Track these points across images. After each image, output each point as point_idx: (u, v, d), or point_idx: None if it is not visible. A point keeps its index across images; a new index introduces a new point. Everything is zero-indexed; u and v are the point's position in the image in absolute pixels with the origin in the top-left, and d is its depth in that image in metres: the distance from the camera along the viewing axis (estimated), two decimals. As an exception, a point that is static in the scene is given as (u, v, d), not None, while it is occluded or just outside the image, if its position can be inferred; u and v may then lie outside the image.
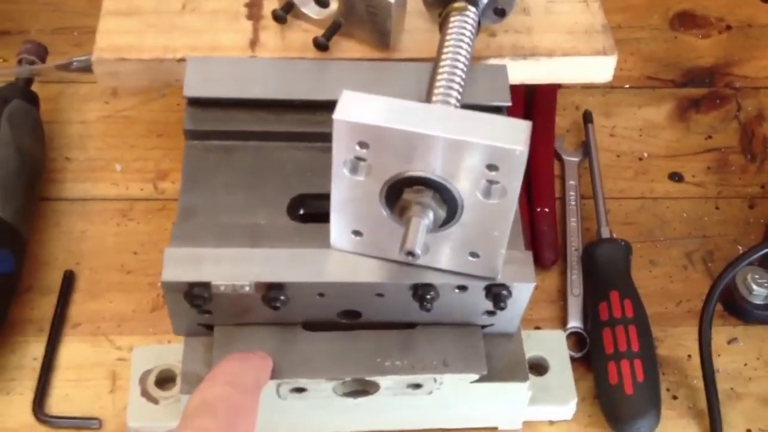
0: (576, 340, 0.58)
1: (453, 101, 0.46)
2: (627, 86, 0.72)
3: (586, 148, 0.67)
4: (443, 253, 0.45)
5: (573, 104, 0.71)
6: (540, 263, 0.61)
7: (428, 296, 0.45)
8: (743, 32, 0.77)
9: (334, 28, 0.56)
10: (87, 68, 0.63)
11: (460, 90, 0.48)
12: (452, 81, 0.47)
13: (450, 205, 0.42)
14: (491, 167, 0.40)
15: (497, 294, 0.46)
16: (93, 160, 0.64)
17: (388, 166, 0.41)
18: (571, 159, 0.67)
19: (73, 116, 0.66)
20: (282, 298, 0.45)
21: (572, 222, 0.63)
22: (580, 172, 0.67)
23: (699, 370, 0.56)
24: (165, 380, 0.53)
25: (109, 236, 0.61)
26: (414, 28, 0.57)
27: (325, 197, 0.45)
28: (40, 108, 0.63)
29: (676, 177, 0.67)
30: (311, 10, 0.56)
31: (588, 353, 0.57)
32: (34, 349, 0.55)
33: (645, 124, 0.70)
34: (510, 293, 0.46)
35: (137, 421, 0.51)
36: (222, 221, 0.48)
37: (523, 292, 0.46)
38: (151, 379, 0.52)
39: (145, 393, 0.52)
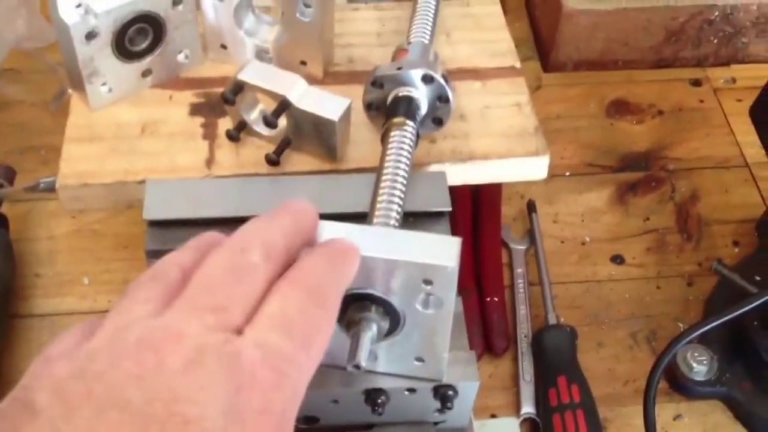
0: (530, 425, 0.61)
1: (393, 218, 0.50)
2: (568, 174, 0.77)
3: (531, 237, 0.71)
4: (391, 359, 0.48)
5: (518, 193, 0.75)
6: (492, 351, 0.65)
7: (379, 400, 0.48)
8: (674, 116, 0.82)
9: (283, 145, 0.59)
10: (53, 188, 0.66)
11: (401, 203, 0.52)
12: (392, 196, 0.51)
13: (392, 317, 0.45)
14: (426, 282, 0.43)
15: (444, 394, 0.49)
16: (61, 274, 0.67)
17: (333, 285, 0.45)
18: (518, 247, 0.71)
19: (42, 233, 0.69)
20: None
21: (521, 309, 0.67)
22: (527, 259, 0.70)
23: (647, 449, 0.59)
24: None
25: (79, 349, 0.63)
26: (359, 139, 0.61)
27: (281, 307, 0.48)
28: (9, 227, 0.66)
29: (617, 259, 0.71)
30: (262, 129, 0.60)
31: (541, 437, 0.60)
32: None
33: (586, 210, 0.74)
34: (456, 392, 0.49)
35: None
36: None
37: (468, 390, 0.49)
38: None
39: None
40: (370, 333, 0.44)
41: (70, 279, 0.67)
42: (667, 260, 0.71)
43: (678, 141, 0.80)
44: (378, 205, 0.51)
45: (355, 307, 0.45)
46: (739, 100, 0.83)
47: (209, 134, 0.62)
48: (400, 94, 0.58)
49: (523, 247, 0.71)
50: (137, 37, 0.61)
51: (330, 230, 0.44)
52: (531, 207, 0.72)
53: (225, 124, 0.62)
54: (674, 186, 0.76)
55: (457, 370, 0.49)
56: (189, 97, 0.64)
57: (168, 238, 0.55)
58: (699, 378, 0.63)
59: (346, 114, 0.57)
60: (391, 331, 0.46)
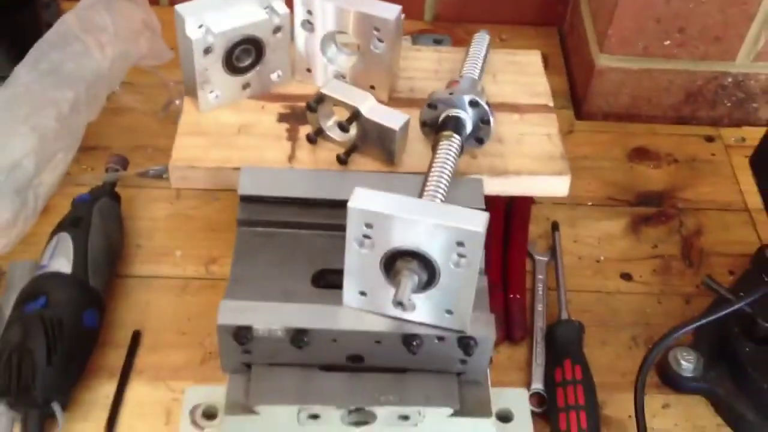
0: (538, 399, 0.72)
1: (438, 198, 0.63)
2: (590, 204, 0.89)
3: (553, 251, 0.83)
4: (426, 311, 0.60)
5: (545, 216, 0.87)
6: (511, 338, 0.76)
7: (414, 343, 0.60)
8: (688, 165, 0.94)
9: (352, 149, 0.73)
10: (159, 176, 0.81)
11: (445, 193, 0.65)
12: (438, 185, 0.64)
13: (430, 271, 0.58)
14: (459, 244, 0.56)
15: (466, 344, 0.61)
16: (158, 247, 0.81)
17: (386, 242, 0.57)
18: (541, 258, 0.83)
19: (144, 213, 0.83)
20: (305, 340, 0.60)
21: (539, 307, 0.78)
22: (548, 269, 0.82)
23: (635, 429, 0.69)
24: (210, 415, 0.67)
25: (169, 306, 0.76)
26: (413, 151, 0.74)
27: (340, 272, 0.61)
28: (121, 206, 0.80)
29: (626, 277, 0.83)
30: (335, 134, 0.74)
31: (546, 409, 0.71)
32: (107, 389, 0.70)
33: (603, 235, 0.86)
34: (476, 343, 0.61)
35: (187, 444, 0.65)
36: (262, 286, 0.64)
37: (486, 343, 0.61)
38: (199, 412, 0.67)
39: (193, 422, 0.66)
40: (411, 280, 0.57)
41: (165, 251, 0.80)
42: (670, 281, 0.83)
43: (689, 185, 0.92)
44: (426, 189, 0.64)
45: (402, 260, 0.58)
46: (747, 156, 0.94)
47: (292, 137, 0.76)
48: (450, 114, 0.72)
49: (545, 259, 0.83)
50: (242, 56, 0.75)
51: (388, 201, 0.57)
52: (555, 226, 0.85)
53: (305, 130, 0.76)
54: (682, 222, 0.88)
55: (478, 326, 0.61)
56: (278, 108, 0.78)
57: (256, 211, 0.68)
58: (686, 374, 0.73)
59: (406, 126, 0.71)
60: (428, 284, 0.58)
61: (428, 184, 0.65)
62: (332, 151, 0.74)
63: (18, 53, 0.85)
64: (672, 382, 0.74)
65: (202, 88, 0.75)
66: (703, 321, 0.70)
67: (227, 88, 0.76)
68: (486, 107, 0.72)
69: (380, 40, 0.75)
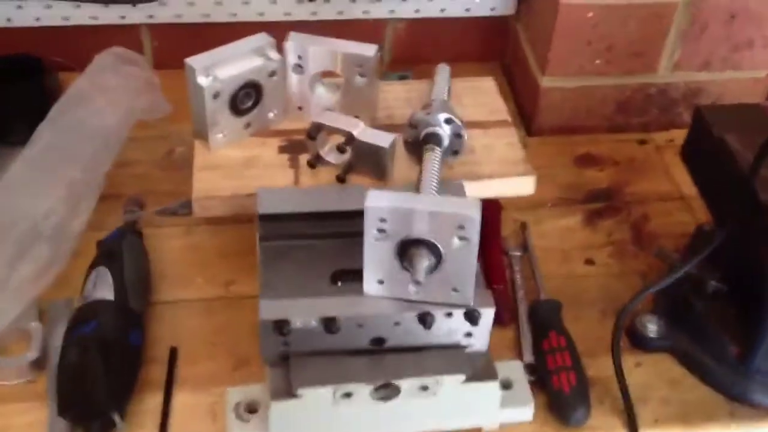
0: (530, 369, 0.83)
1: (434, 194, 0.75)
2: (549, 205, 1.02)
3: (524, 246, 0.95)
4: (436, 291, 0.71)
5: (514, 219, 0.99)
6: (500, 322, 0.87)
7: (428, 319, 0.71)
8: (627, 165, 1.08)
9: (348, 168, 0.85)
10: (174, 212, 0.91)
11: (437, 191, 0.76)
12: (431, 185, 0.76)
13: (437, 255, 0.69)
14: (460, 227, 0.68)
15: (471, 315, 0.72)
16: (181, 275, 0.90)
17: (398, 233, 0.69)
18: (515, 254, 0.95)
19: (163, 247, 0.93)
20: (336, 326, 0.70)
21: (520, 294, 0.90)
22: (522, 262, 0.94)
23: (617, 384, 0.81)
24: (252, 409, 0.76)
25: (197, 324, 0.86)
26: (401, 167, 0.86)
27: (353, 271, 0.72)
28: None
29: (589, 262, 0.95)
30: (332, 158, 0.85)
31: (538, 377, 0.82)
32: (155, 400, 0.79)
33: (564, 229, 0.99)
34: (480, 314, 0.72)
35: (235, 433, 0.75)
36: (289, 288, 0.74)
37: (487, 314, 0.73)
38: (242, 407, 0.76)
39: (238, 417, 0.76)
40: (424, 262, 0.68)
41: (187, 277, 0.90)
42: (626, 263, 0.96)
43: (631, 182, 1.06)
44: (422, 190, 0.76)
45: (413, 247, 0.69)
46: (677, 154, 1.09)
47: (294, 165, 0.87)
48: (430, 131, 0.84)
49: (518, 254, 0.95)
50: (244, 99, 0.87)
51: (396, 198, 0.68)
52: (523, 226, 0.97)
53: (304, 159, 0.87)
54: (630, 212, 1.02)
55: (479, 300, 0.72)
56: (276, 142, 0.89)
57: (274, 227, 0.79)
58: (652, 335, 0.86)
59: (394, 143, 0.83)
60: (436, 266, 0.70)
61: (422, 186, 0.77)
62: (331, 173, 0.85)
63: (27, 117, 0.94)
64: (640, 343, 0.86)
65: (212, 130, 0.86)
66: (661, 286, 0.83)
67: (232, 128, 0.87)
68: (459, 123, 0.85)
69: (362, 75, 0.87)
